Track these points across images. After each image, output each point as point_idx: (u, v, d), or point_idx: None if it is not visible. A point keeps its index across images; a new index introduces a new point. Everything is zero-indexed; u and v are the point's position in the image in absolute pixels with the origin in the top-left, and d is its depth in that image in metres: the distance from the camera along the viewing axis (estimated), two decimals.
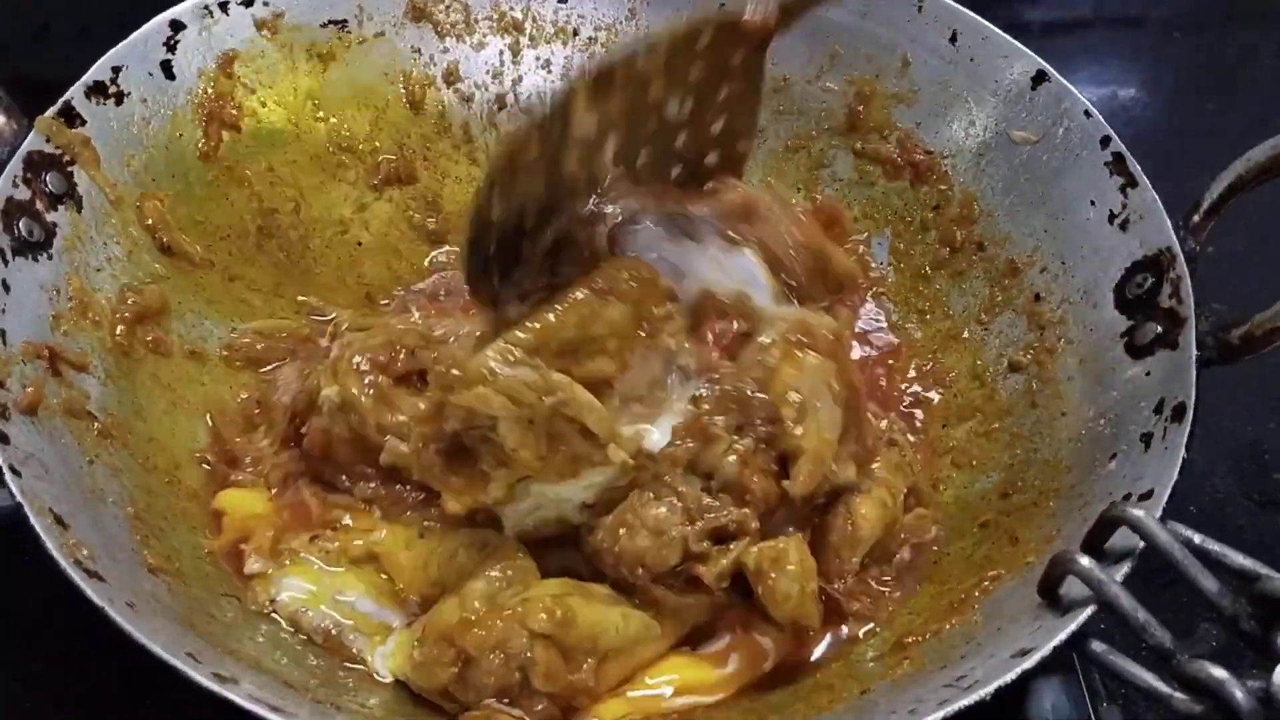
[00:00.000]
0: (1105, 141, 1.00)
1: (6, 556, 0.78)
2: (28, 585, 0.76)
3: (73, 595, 0.71)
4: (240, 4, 1.09)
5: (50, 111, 0.95)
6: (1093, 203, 1.00)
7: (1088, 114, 1.02)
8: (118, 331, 0.94)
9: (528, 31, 1.22)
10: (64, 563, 0.71)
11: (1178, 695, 0.67)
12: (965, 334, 1.08)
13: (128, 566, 0.79)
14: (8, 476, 0.74)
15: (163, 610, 0.76)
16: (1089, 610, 0.72)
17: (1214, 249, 0.90)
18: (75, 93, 0.97)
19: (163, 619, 0.74)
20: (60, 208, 0.94)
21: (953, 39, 1.11)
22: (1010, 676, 0.70)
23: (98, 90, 0.99)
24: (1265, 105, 0.91)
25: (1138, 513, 0.71)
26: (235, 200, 1.08)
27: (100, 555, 0.76)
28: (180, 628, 0.75)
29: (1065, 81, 1.05)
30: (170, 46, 1.05)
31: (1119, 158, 0.99)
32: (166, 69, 1.04)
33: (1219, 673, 0.66)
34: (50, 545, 0.72)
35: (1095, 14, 1.02)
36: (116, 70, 1.00)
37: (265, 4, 1.10)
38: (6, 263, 0.87)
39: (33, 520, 0.73)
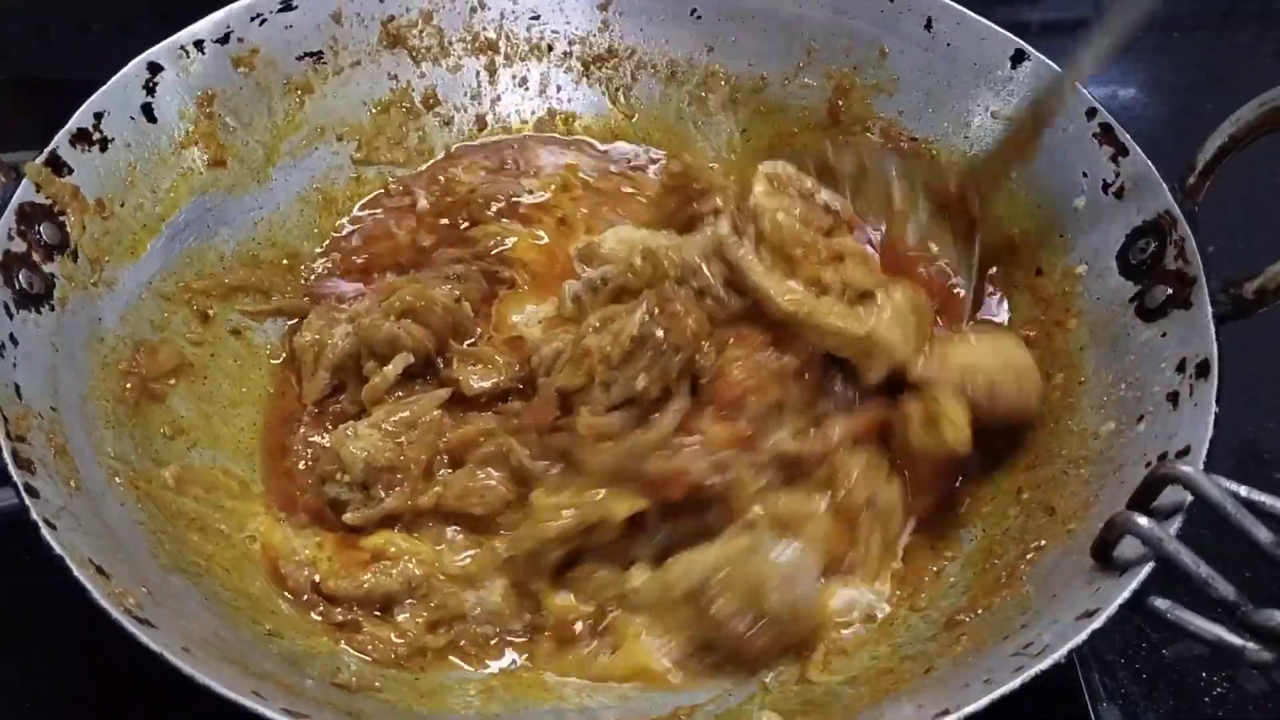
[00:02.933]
0: (1091, 113, 1.01)
1: (7, 556, 0.77)
2: (28, 585, 0.74)
3: (72, 595, 0.70)
4: (215, 41, 1.08)
5: (39, 160, 0.93)
6: (1084, 174, 1.01)
7: None
8: (127, 386, 0.93)
9: (502, 50, 1.22)
10: (115, 613, 0.69)
11: (1250, 646, 0.68)
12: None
13: (172, 610, 0.77)
14: (44, 531, 0.72)
15: (220, 650, 0.74)
16: (1148, 568, 0.72)
17: (1209, 209, 0.91)
18: (60, 141, 0.95)
19: (219, 660, 0.73)
20: (56, 258, 0.92)
21: (928, 26, 1.12)
22: (1082, 637, 0.70)
23: (82, 138, 0.97)
24: None
25: (1187, 469, 0.72)
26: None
27: (145, 602, 0.74)
28: (236, 667, 0.73)
29: (1045, 58, 1.06)
30: (149, 89, 1.03)
31: (1106, 128, 1.00)
32: (147, 112, 1.03)
33: None
34: (98, 597, 0.70)
35: (1095, 14, 1.04)
36: (99, 116, 0.98)
37: (240, 40, 1.09)
38: (11, 316, 0.85)
39: (76, 573, 0.71)
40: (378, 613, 0.88)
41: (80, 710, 0.88)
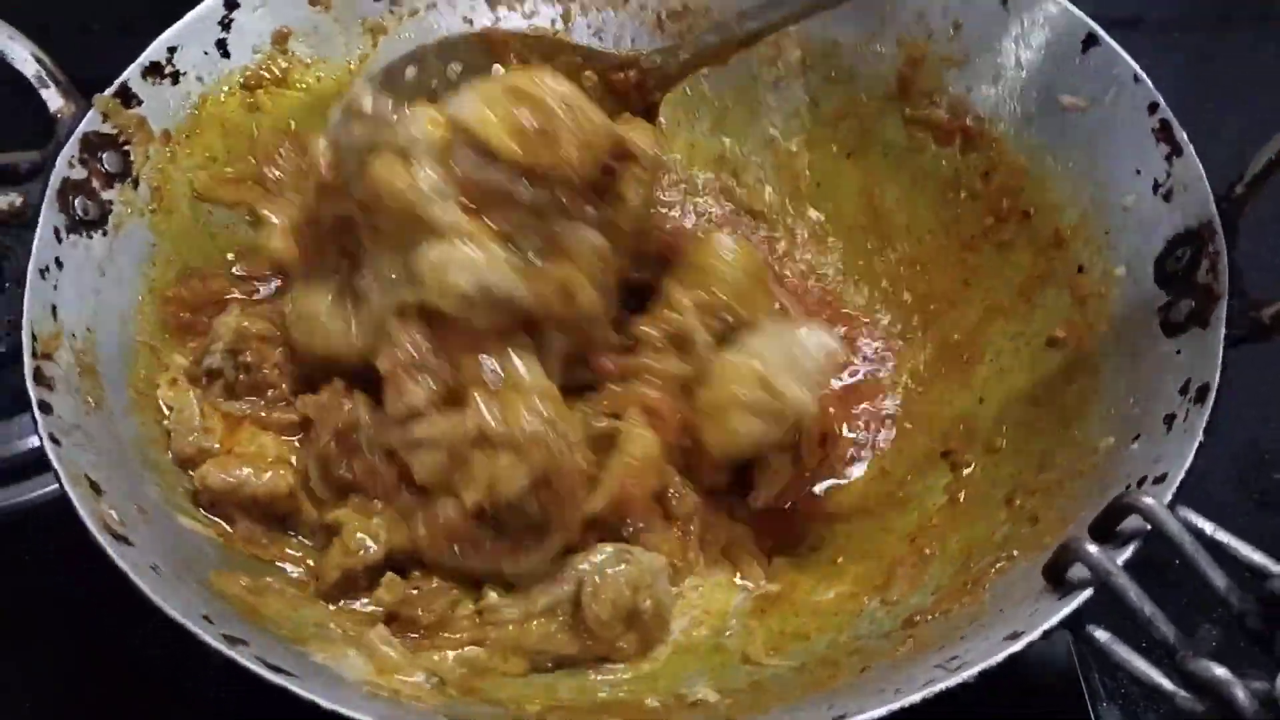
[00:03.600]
0: (1153, 108, 0.96)
1: (7, 556, 0.79)
2: (28, 585, 0.77)
3: (72, 595, 0.73)
4: None
5: (109, 91, 0.99)
6: (1138, 171, 0.97)
7: (1137, 79, 0.98)
8: (178, 313, 0.99)
9: None
10: (92, 528, 0.74)
11: (1181, 694, 0.66)
12: (1008, 306, 1.06)
13: (162, 529, 0.83)
14: (48, 446, 0.78)
15: (194, 573, 0.80)
16: (1084, 595, 0.71)
17: (1247, 226, 0.87)
18: (132, 74, 1.01)
19: (188, 581, 0.78)
20: (116, 186, 0.98)
21: (1004, 2, 1.08)
22: (997, 659, 0.69)
23: (154, 70, 1.03)
24: (1267, 105, 0.87)
25: (1148, 501, 0.70)
26: None
27: (134, 521, 0.79)
28: (206, 591, 0.79)
29: (1115, 45, 1.01)
30: (225, 25, 1.08)
31: (1165, 125, 0.95)
32: (222, 47, 1.08)
33: (1221, 672, 0.64)
34: (82, 512, 0.75)
35: (1095, 14, 0.99)
36: (172, 50, 1.04)
37: None
38: (60, 240, 0.92)
39: (67, 488, 0.76)
40: None
41: (80, 710, 0.90)
